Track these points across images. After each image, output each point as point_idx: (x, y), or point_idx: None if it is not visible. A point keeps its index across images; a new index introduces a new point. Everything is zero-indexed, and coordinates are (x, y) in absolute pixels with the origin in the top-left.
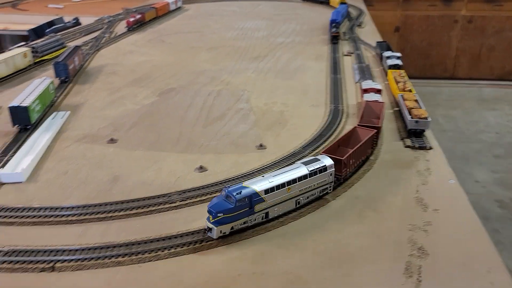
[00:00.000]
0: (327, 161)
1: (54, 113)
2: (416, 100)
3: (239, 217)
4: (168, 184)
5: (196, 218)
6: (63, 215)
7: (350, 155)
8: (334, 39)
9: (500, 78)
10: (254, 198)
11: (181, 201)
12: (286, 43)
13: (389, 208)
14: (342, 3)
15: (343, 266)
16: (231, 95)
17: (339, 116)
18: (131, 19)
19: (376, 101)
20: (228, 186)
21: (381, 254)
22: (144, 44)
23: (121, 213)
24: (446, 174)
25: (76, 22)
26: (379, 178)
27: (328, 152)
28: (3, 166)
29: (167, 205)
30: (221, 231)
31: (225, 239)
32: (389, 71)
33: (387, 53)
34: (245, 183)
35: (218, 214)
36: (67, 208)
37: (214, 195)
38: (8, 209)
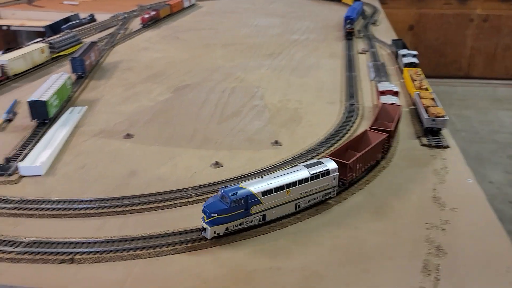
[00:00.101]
0: (331, 165)
1: (71, 108)
2: (432, 99)
3: (234, 218)
4: (184, 179)
5: None
6: (82, 208)
7: (357, 159)
8: (349, 35)
9: None
10: (250, 199)
11: (197, 196)
12: (300, 40)
13: (406, 206)
14: (356, 0)
15: (360, 262)
16: (246, 92)
17: (354, 114)
18: (146, 16)
19: (393, 103)
20: (225, 186)
21: (398, 251)
22: (158, 41)
23: (138, 207)
24: (464, 173)
25: (92, 19)
26: (395, 176)
27: (335, 155)
28: (22, 159)
29: (183, 200)
30: (215, 232)
31: (242, 234)
32: (405, 69)
33: (402, 51)
34: (242, 184)
35: (212, 214)
36: (86, 201)
37: None
38: (28, 201)
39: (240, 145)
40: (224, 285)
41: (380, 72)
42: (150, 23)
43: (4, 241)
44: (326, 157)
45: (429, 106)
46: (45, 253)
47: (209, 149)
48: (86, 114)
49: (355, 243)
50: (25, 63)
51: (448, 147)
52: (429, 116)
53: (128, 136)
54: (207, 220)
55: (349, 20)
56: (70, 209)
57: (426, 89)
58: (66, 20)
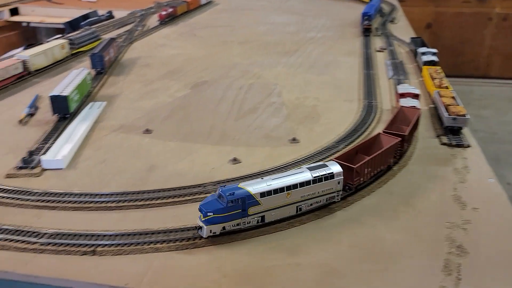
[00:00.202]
0: (335, 168)
1: (91, 103)
2: (453, 97)
3: (231, 218)
4: (202, 175)
5: None
6: (102, 202)
7: (364, 163)
8: (366, 32)
9: None
10: (248, 200)
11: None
12: (317, 38)
13: (425, 205)
14: None
15: (379, 260)
16: (263, 89)
17: (373, 112)
18: (163, 13)
19: (413, 107)
20: (223, 185)
21: (418, 250)
22: (176, 38)
23: (158, 201)
24: (485, 173)
25: (110, 16)
26: (414, 175)
27: (343, 158)
28: (44, 153)
29: (202, 195)
30: (211, 231)
31: (261, 229)
32: (424, 67)
33: (422, 49)
34: (241, 184)
35: (208, 213)
36: (106, 194)
37: None
38: (51, 193)
39: (258, 142)
40: (244, 279)
41: (398, 70)
42: (167, 20)
43: (29, 231)
44: (332, 160)
45: (450, 105)
46: (68, 244)
47: (227, 145)
48: (105, 110)
49: (374, 241)
50: (46, 58)
51: (469, 146)
52: (449, 115)
53: (147, 131)
54: (203, 219)
55: (366, 16)
56: (91, 202)
57: (446, 87)
58: (85, 17)
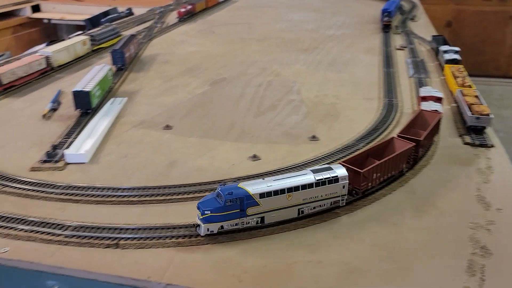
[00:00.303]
0: (340, 172)
1: (112, 99)
2: (476, 96)
3: (228, 218)
4: (222, 171)
5: None
6: (125, 196)
7: (373, 168)
8: (386, 28)
9: None
10: (246, 200)
11: None
12: (336, 35)
13: (448, 205)
14: None
15: (401, 259)
16: (282, 86)
17: (393, 110)
18: (182, 10)
19: (435, 111)
20: (223, 184)
21: (441, 250)
22: (194, 35)
23: (179, 196)
24: (510, 174)
25: (129, 12)
26: (436, 174)
27: (352, 161)
28: (67, 147)
29: None
30: (208, 229)
31: (283, 226)
32: (446, 65)
33: (444, 47)
34: (240, 184)
35: (206, 212)
36: (128, 189)
37: None
38: (74, 187)
39: (277, 139)
40: (264, 275)
41: (419, 68)
42: (186, 17)
43: (54, 224)
44: (339, 163)
45: (473, 104)
46: (91, 237)
47: (246, 142)
48: (126, 105)
49: (396, 240)
50: (68, 54)
51: (492, 146)
52: (472, 114)
53: (168, 127)
54: (201, 217)
55: (386, 12)
56: (114, 196)
57: (470, 86)
58: (105, 13)
